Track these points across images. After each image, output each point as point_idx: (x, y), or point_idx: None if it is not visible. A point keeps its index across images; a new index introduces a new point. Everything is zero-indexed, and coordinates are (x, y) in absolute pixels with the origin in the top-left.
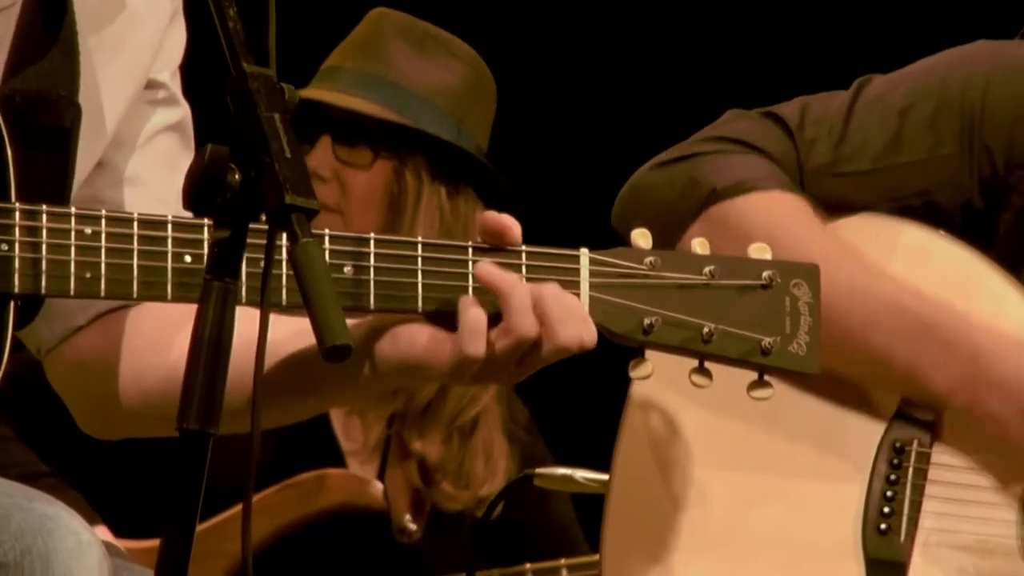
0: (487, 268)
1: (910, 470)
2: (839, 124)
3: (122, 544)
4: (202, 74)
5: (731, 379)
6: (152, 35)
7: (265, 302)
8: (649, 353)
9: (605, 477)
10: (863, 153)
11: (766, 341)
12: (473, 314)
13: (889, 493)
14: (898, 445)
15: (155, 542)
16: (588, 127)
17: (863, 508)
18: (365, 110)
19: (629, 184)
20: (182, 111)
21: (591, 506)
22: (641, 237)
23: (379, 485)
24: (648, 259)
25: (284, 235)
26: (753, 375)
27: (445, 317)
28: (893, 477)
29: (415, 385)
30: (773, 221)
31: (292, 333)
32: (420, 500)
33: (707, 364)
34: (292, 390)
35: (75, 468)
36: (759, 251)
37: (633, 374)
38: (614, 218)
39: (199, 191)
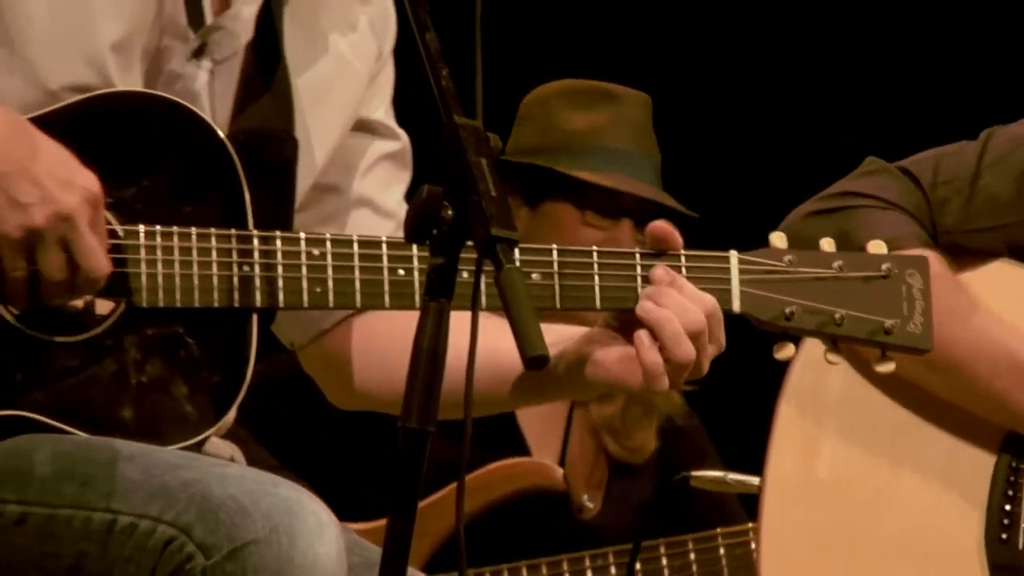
0: (644, 305)
1: None
2: (967, 184)
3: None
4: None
5: (863, 403)
6: (358, 76)
7: (475, 321)
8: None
9: (756, 480)
10: (988, 212)
11: (888, 323)
12: (651, 358)
13: (1008, 507)
14: (1014, 464)
15: (372, 524)
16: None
17: (984, 519)
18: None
19: (783, 230)
20: (399, 142)
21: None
22: (778, 239)
23: (560, 470)
24: (787, 257)
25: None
26: (878, 352)
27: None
28: (1011, 493)
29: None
30: None
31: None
32: (597, 480)
33: (840, 345)
34: (520, 391)
35: (301, 463)
36: (877, 247)
37: (778, 356)
38: None
39: (418, 225)
